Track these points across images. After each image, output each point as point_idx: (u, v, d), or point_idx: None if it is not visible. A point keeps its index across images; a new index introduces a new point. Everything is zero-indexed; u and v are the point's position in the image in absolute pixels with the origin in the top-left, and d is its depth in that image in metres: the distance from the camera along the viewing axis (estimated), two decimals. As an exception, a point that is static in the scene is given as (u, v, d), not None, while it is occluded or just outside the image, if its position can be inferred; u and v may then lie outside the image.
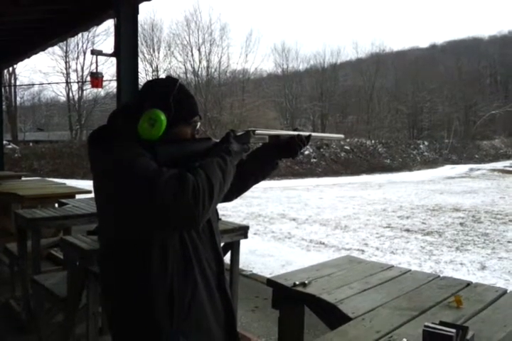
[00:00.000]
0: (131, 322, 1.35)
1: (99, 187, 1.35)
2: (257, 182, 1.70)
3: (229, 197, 1.66)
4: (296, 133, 1.65)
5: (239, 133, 1.49)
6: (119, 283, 1.37)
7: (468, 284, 2.06)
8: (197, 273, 1.37)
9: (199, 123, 1.49)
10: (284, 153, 1.66)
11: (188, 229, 1.34)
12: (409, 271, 2.30)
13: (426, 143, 37.28)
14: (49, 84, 31.24)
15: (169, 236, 1.32)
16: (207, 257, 1.43)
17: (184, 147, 1.39)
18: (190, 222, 1.22)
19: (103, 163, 1.30)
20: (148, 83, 1.48)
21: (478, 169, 29.58)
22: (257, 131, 1.54)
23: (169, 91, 1.38)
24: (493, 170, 28.87)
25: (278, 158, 1.69)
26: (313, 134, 1.70)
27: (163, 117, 1.32)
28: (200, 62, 33.55)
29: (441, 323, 1.42)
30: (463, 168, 30.13)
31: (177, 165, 1.26)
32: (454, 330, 1.35)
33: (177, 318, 1.32)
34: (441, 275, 2.26)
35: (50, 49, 7.57)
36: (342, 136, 2.03)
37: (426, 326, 1.38)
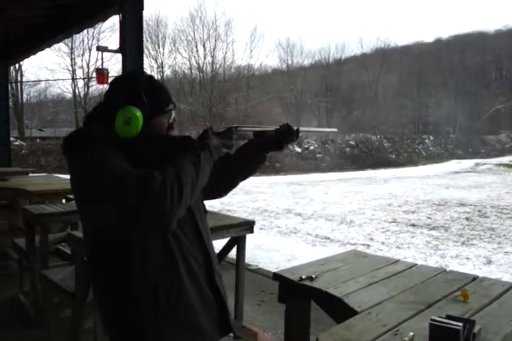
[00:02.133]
0: (119, 322, 1.36)
1: (75, 189, 1.34)
2: (245, 178, 1.67)
3: (217, 194, 1.65)
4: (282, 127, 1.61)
5: (221, 131, 1.47)
6: (105, 284, 1.37)
7: (475, 278, 2.06)
8: (182, 270, 1.35)
9: (174, 112, 1.46)
10: (271, 147, 1.60)
11: (161, 230, 1.28)
12: (415, 265, 2.31)
13: (431, 137, 37.14)
14: (55, 80, 31.29)
15: (149, 236, 1.30)
16: (193, 253, 1.40)
17: (158, 145, 1.36)
18: (161, 221, 1.19)
19: (76, 166, 1.29)
20: (114, 81, 1.45)
21: (484, 164, 29.44)
22: (239, 128, 1.52)
23: (138, 85, 1.36)
24: (499, 164, 28.72)
25: (266, 151, 1.63)
26: (302, 128, 1.64)
27: (138, 114, 1.30)
28: (205, 57, 33.58)
29: (448, 317, 1.43)
30: (468, 163, 29.99)
31: (152, 165, 1.23)
32: (460, 324, 1.36)
33: (163, 316, 1.31)
34: (448, 270, 2.26)
35: (55, 46, 7.60)
36: (335, 129, 1.97)
37: (432, 320, 1.39)
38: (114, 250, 1.30)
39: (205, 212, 1.58)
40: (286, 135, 1.58)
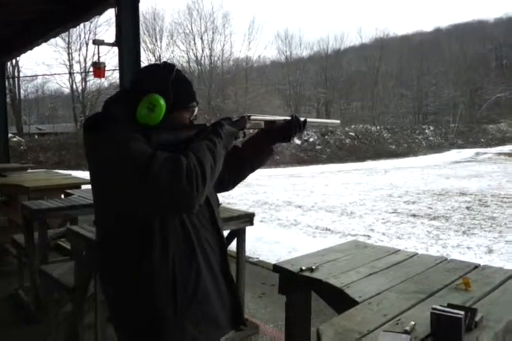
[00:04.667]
0: (132, 312, 1.34)
1: (95, 173, 1.34)
2: (253, 170, 1.69)
3: (226, 185, 1.65)
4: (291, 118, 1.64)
5: (234, 119, 1.49)
6: (118, 272, 1.36)
7: (476, 266, 2.05)
8: (200, 258, 1.36)
9: (197, 109, 1.48)
10: (280, 138, 1.64)
11: (185, 213, 1.32)
12: (416, 254, 2.29)
13: (431, 127, 37.07)
14: (52, 75, 31.17)
15: (169, 222, 1.31)
16: (209, 241, 1.42)
17: (179, 133, 1.38)
18: (186, 205, 1.20)
19: (98, 148, 1.29)
20: (145, 68, 1.47)
21: (485, 153, 29.42)
22: (252, 117, 1.54)
23: (167, 77, 1.37)
24: (500, 153, 28.70)
25: (273, 143, 1.67)
26: (310, 120, 1.68)
27: (162, 102, 1.32)
28: (202, 50, 33.49)
29: (450, 305, 1.41)
30: (469, 152, 29.96)
31: (172, 151, 1.24)
32: (462, 312, 1.34)
33: (181, 305, 1.31)
34: (449, 259, 2.24)
35: (52, 40, 7.55)
36: (338, 121, 2.04)
37: (434, 308, 1.37)
38: (133, 236, 1.30)
39: (218, 202, 1.59)
40: (295, 126, 1.61)
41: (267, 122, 1.60)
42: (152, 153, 1.20)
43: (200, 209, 1.33)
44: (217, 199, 1.59)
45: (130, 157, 1.19)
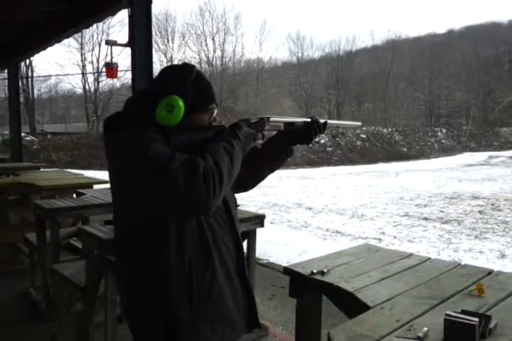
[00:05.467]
0: (147, 312, 1.34)
1: (114, 172, 1.34)
2: (272, 170, 1.68)
3: (244, 186, 1.65)
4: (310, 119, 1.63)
5: (253, 121, 1.48)
6: (135, 272, 1.36)
7: (490, 272, 2.02)
8: (216, 259, 1.36)
9: (216, 111, 1.47)
10: (299, 139, 1.64)
11: (201, 215, 1.32)
12: (429, 259, 2.27)
13: (444, 130, 36.77)
14: (65, 75, 31.43)
15: (186, 223, 1.31)
16: (226, 243, 1.42)
17: (198, 134, 1.38)
18: (203, 207, 1.20)
19: (118, 147, 1.29)
20: (165, 69, 1.47)
21: (498, 156, 29.11)
22: (271, 118, 1.53)
23: (187, 78, 1.37)
24: (513, 157, 28.40)
25: (293, 144, 1.66)
26: (330, 121, 1.69)
27: (181, 103, 1.31)
28: (214, 51, 33.54)
29: (463, 312, 1.39)
30: (482, 156, 29.67)
31: (190, 152, 1.24)
32: (476, 319, 1.32)
33: (197, 306, 1.31)
34: (462, 264, 2.22)
35: (65, 41, 7.58)
36: (359, 123, 2.01)
37: (447, 315, 1.36)
38: (150, 236, 1.30)
39: (236, 204, 1.59)
40: (314, 128, 1.61)
41: (286, 124, 1.60)
42: (170, 154, 1.20)
43: (217, 211, 1.33)
44: (235, 201, 1.58)
45: (148, 158, 1.19)
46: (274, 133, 1.65)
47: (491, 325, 1.38)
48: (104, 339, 2.51)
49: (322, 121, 1.64)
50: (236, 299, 1.43)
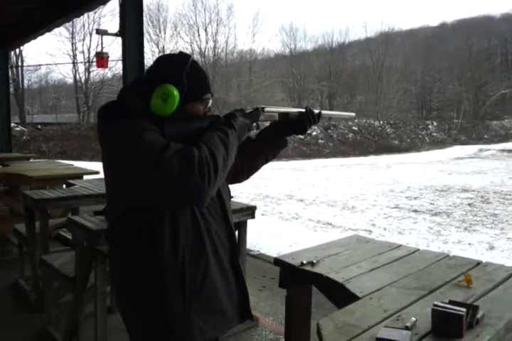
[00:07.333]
0: (140, 301, 1.35)
1: (107, 161, 1.33)
2: (267, 161, 1.68)
3: (239, 177, 1.65)
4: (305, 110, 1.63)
5: (248, 111, 1.47)
6: (128, 261, 1.36)
7: (478, 263, 2.04)
8: (209, 251, 1.36)
9: (211, 101, 1.46)
10: (294, 129, 1.64)
11: (196, 205, 1.31)
12: (418, 250, 2.28)
13: (435, 123, 36.93)
14: (55, 64, 31.17)
15: (180, 213, 1.31)
16: (219, 234, 1.42)
17: (193, 124, 1.37)
18: (197, 197, 1.20)
19: (113, 136, 1.28)
20: (160, 58, 1.45)
21: (488, 149, 29.32)
22: (266, 108, 1.53)
23: (182, 67, 1.35)
24: (503, 150, 28.60)
25: (287, 135, 1.66)
26: (324, 112, 1.69)
27: (176, 93, 1.30)
28: (206, 42, 33.32)
29: (451, 302, 1.40)
30: (472, 149, 29.86)
31: (185, 142, 1.24)
32: (464, 309, 1.33)
33: (189, 295, 1.31)
34: (451, 255, 2.23)
35: (56, 30, 7.50)
36: (353, 114, 2.01)
37: (435, 305, 1.36)
38: (144, 226, 1.30)
39: (230, 195, 1.58)
40: (309, 118, 1.61)
41: (280, 114, 1.60)
42: (165, 143, 1.19)
43: (211, 202, 1.32)
44: (229, 193, 1.58)
45: (143, 147, 1.18)
46: (269, 123, 1.65)
47: (479, 315, 1.39)
48: (94, 330, 2.51)
49: (316, 111, 1.64)
50: (229, 290, 1.43)
